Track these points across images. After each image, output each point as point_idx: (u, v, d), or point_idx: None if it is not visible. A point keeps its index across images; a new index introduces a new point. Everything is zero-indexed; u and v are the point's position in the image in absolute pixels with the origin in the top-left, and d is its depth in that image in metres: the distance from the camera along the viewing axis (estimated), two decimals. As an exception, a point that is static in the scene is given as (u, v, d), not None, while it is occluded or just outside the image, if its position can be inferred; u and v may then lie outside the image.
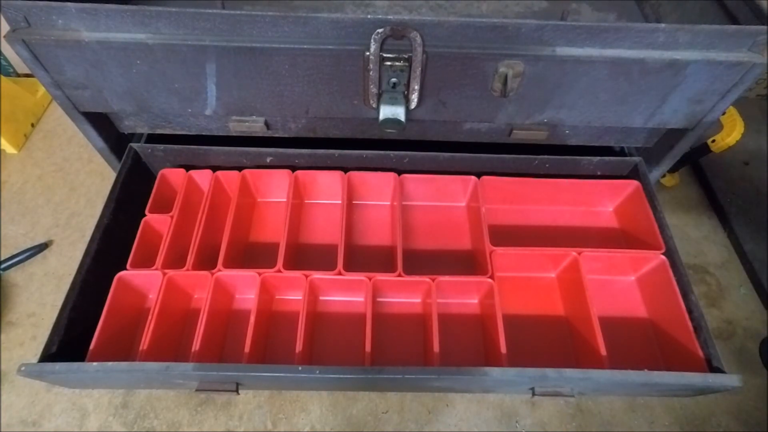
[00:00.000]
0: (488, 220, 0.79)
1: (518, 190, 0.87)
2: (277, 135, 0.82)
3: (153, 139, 0.86)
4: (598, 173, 0.88)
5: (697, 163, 1.31)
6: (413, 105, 0.69)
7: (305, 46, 0.62)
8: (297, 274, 0.73)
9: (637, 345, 0.76)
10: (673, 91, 0.68)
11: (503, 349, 0.66)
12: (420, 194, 0.90)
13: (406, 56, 0.63)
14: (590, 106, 0.71)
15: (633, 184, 0.84)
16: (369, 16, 0.60)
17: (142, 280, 0.75)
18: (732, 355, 1.02)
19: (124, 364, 0.60)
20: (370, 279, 0.73)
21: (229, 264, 0.75)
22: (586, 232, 0.89)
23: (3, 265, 1.07)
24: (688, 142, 0.79)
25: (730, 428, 0.93)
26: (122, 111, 0.75)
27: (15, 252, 1.09)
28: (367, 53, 0.62)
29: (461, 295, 0.79)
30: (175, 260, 0.76)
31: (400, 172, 0.85)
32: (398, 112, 0.67)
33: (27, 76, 1.46)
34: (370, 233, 0.88)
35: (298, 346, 0.67)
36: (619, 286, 0.82)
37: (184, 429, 0.89)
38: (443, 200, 0.91)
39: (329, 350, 0.76)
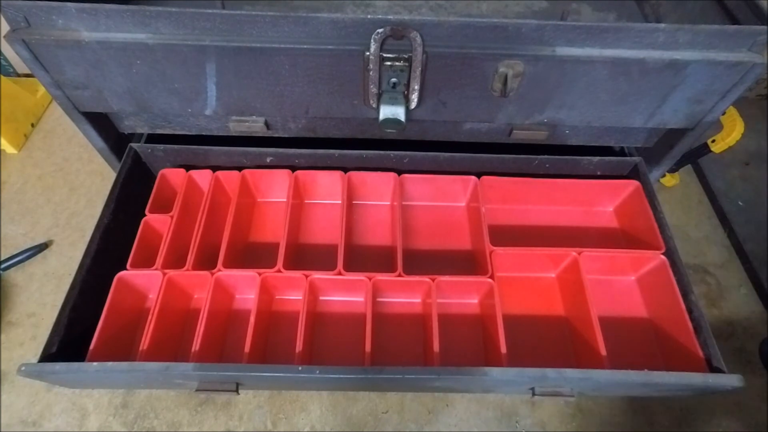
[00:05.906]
0: (488, 220, 0.79)
1: (518, 190, 0.87)
2: (277, 135, 0.82)
3: (153, 139, 0.86)
4: (598, 173, 0.88)
5: (697, 163, 1.31)
6: (413, 105, 0.69)
7: (305, 46, 0.62)
8: (297, 274, 0.73)
9: (637, 345, 0.76)
10: (673, 91, 0.68)
11: (503, 349, 0.66)
12: (420, 194, 0.90)
13: (406, 56, 0.63)
14: (590, 106, 0.71)
15: (633, 184, 0.84)
16: (369, 16, 0.60)
17: (142, 280, 0.75)
18: (732, 355, 1.01)
19: (124, 364, 0.60)
20: (370, 279, 0.73)
21: (229, 264, 0.75)
22: (586, 232, 0.89)
23: (3, 265, 1.07)
24: (688, 142, 0.79)
25: (730, 428, 0.93)
26: (122, 111, 0.75)
27: (15, 252, 1.09)
28: (367, 53, 0.62)
29: (461, 295, 0.79)
30: (175, 260, 0.76)
31: (400, 172, 0.85)
32: (398, 112, 0.67)
33: (27, 76, 1.46)
34: (370, 233, 0.88)
35: (298, 346, 0.67)
36: (619, 286, 0.82)
37: (184, 429, 0.89)
38: (443, 200, 0.91)
39: (329, 350, 0.76)
